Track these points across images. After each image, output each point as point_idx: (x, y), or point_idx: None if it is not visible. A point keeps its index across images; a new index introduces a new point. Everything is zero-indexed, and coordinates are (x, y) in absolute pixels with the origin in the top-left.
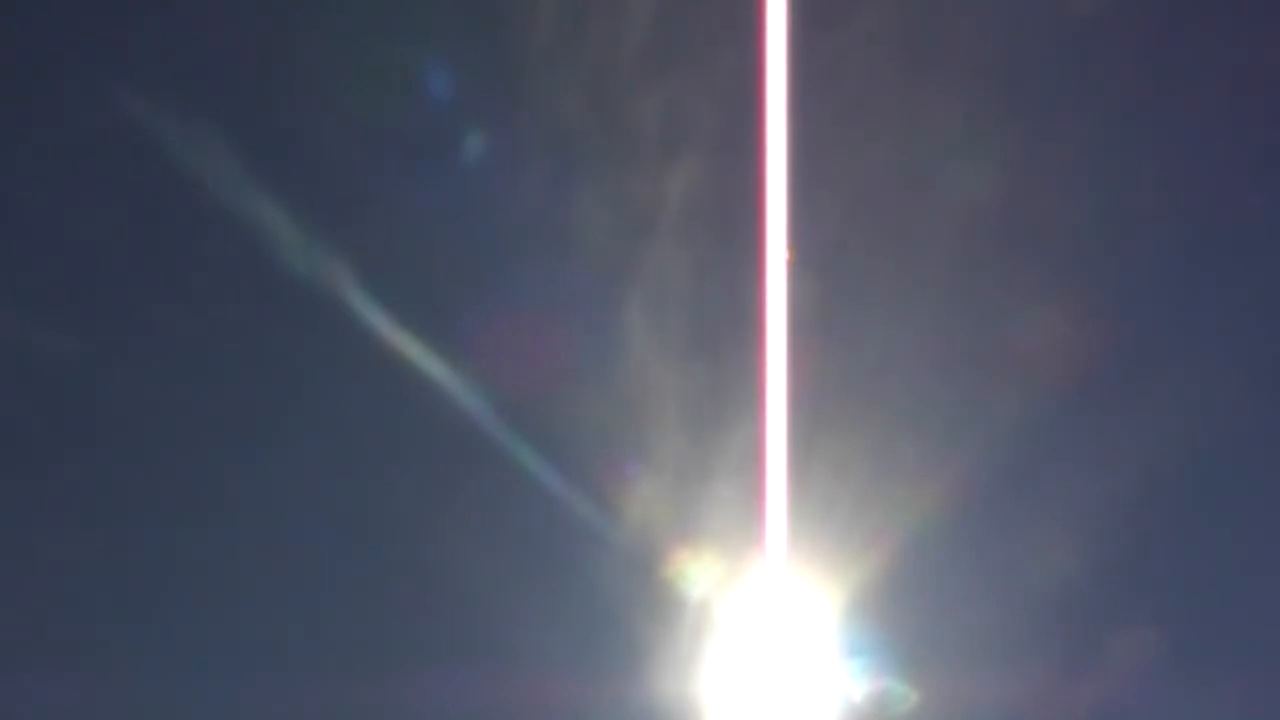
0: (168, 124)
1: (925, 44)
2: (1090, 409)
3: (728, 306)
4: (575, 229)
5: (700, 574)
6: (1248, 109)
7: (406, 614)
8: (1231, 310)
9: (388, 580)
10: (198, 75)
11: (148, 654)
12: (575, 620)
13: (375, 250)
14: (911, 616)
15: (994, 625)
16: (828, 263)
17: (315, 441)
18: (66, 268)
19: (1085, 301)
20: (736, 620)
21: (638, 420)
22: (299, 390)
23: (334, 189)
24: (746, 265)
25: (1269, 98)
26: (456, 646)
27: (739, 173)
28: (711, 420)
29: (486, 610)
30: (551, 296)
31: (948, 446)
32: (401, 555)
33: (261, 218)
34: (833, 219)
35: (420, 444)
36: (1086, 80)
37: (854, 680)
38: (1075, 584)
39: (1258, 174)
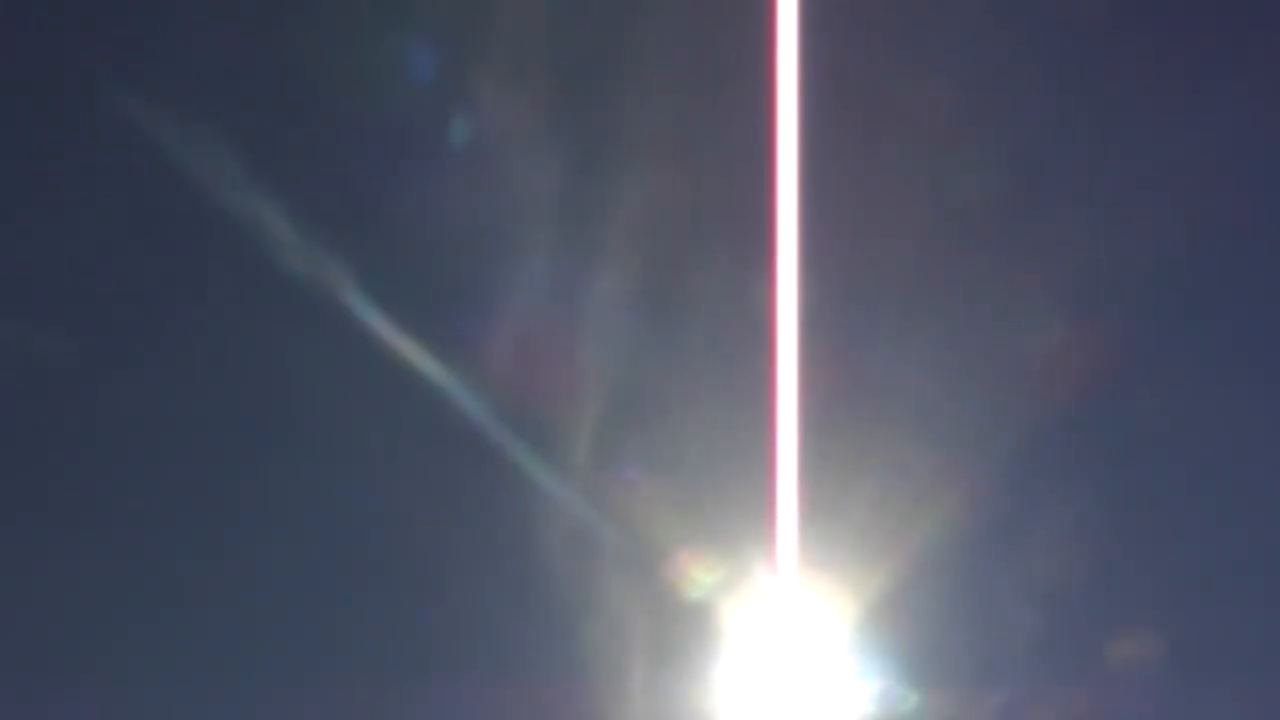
0: (165, 123)
1: (939, 44)
2: (1106, 417)
3: (738, 308)
4: (580, 229)
5: (708, 580)
6: (1261, 110)
7: (407, 619)
8: (1245, 317)
9: (388, 584)
10: (196, 74)
11: (145, 658)
12: (579, 626)
13: (376, 251)
14: (920, 623)
15: (1004, 633)
16: (840, 266)
17: (315, 444)
18: (64, 268)
19: (1103, 308)
20: (744, 627)
21: (645, 424)
22: (299, 392)
23: (334, 189)
24: (757, 267)
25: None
26: (458, 652)
27: (749, 173)
28: (721, 424)
29: (488, 615)
30: (556, 297)
31: (960, 452)
32: (402, 559)
33: (260, 217)
34: (845, 221)
35: (422, 447)
36: (1102, 81)
37: (861, 685)
38: (1087, 593)
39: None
